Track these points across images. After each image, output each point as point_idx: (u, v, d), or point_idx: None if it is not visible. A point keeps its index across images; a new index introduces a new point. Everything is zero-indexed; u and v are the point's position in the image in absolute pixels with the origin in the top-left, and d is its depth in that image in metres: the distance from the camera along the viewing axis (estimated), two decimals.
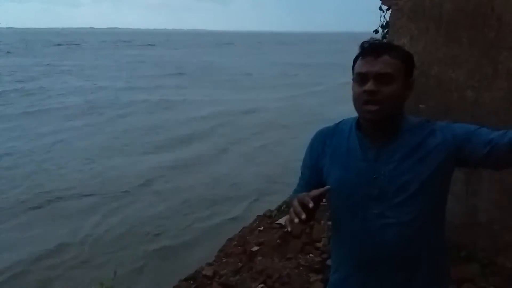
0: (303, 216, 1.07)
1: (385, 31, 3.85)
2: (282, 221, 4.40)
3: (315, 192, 1.15)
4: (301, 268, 3.35)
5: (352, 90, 1.23)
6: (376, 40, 1.25)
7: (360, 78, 1.19)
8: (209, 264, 3.85)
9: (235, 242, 4.29)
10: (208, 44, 66.49)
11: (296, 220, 1.08)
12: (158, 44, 61.73)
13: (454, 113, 2.80)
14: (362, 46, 1.23)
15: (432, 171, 1.20)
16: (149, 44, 60.34)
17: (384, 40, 3.50)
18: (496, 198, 2.73)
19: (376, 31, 4.06)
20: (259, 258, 3.70)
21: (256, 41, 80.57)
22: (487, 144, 1.15)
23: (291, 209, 1.12)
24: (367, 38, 1.28)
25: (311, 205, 1.09)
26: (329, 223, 2.71)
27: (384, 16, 3.93)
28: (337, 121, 1.37)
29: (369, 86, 1.16)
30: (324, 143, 1.34)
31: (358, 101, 1.20)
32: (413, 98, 2.85)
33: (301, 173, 1.43)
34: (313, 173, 1.37)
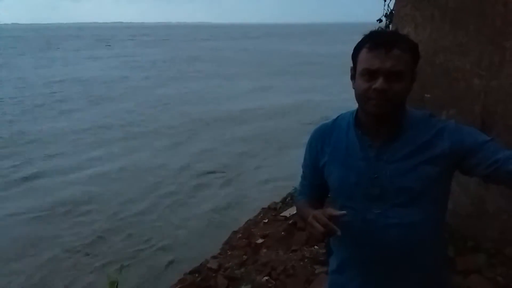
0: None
1: (390, 20, 3.80)
2: (287, 213, 4.39)
3: (329, 212, 1.12)
4: (306, 260, 3.34)
5: (356, 83, 1.16)
6: (384, 30, 1.19)
7: (368, 73, 1.11)
8: (214, 257, 3.86)
9: (240, 235, 4.30)
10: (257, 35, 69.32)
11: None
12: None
13: (461, 102, 2.75)
14: (371, 36, 1.14)
15: (437, 175, 1.15)
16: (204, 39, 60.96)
17: (390, 29, 3.44)
18: (503, 188, 2.69)
19: (380, 20, 4.00)
20: (264, 250, 3.70)
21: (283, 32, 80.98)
22: (491, 165, 1.10)
23: (312, 230, 1.12)
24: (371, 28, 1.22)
25: (339, 233, 1.08)
26: None
27: (388, 5, 3.87)
28: (335, 117, 1.32)
29: (380, 84, 1.09)
30: (323, 141, 1.29)
31: (364, 97, 1.13)
32: (418, 88, 2.83)
33: (303, 172, 1.40)
34: (314, 172, 1.33)
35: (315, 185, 1.35)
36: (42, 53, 33.37)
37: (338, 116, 1.31)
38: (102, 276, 3.76)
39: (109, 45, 43.37)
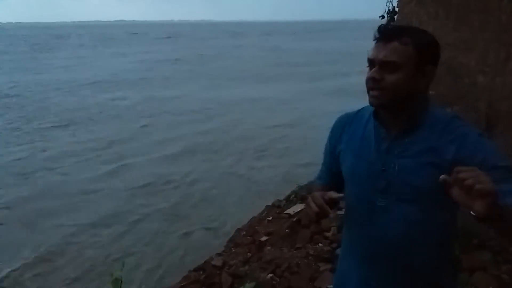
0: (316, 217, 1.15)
1: (390, 17, 3.78)
2: (291, 211, 4.40)
3: (329, 194, 1.14)
4: (310, 257, 3.34)
5: None
6: (393, 24, 1.20)
7: (369, 63, 1.16)
8: (219, 254, 3.87)
9: (244, 232, 4.31)
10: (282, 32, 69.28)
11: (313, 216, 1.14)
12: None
13: (465, 99, 2.74)
14: (377, 29, 1.17)
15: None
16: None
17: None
18: None
19: (382, 17, 3.99)
20: (268, 248, 3.70)
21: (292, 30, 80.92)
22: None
23: (308, 209, 1.15)
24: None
25: (331, 215, 1.12)
26: (339, 212, 2.70)
27: (391, 2, 3.86)
28: (359, 108, 1.33)
29: (371, 73, 1.13)
30: (343, 129, 1.31)
31: (366, 86, 1.17)
32: None
33: (323, 158, 1.42)
34: (332, 159, 1.35)
35: (332, 172, 1.36)
36: (66, 52, 33.24)
37: (362, 107, 1.31)
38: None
39: (128, 44, 44.20)
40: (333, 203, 1.15)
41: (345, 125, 1.31)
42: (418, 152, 1.15)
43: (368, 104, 1.24)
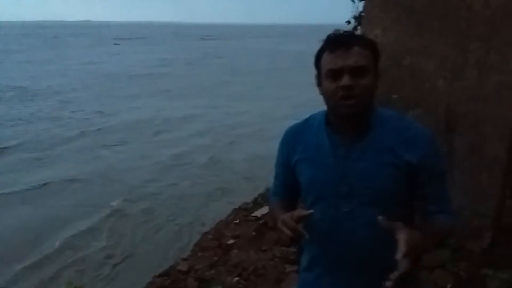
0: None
1: (358, 22, 3.87)
2: (258, 213, 4.39)
3: (298, 213, 1.12)
4: (276, 259, 3.33)
5: (323, 87, 1.17)
6: (341, 31, 1.20)
7: (332, 74, 1.13)
8: (184, 259, 3.79)
9: (211, 236, 4.25)
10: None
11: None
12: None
13: (426, 102, 2.83)
14: (329, 39, 1.16)
15: (404, 178, 1.16)
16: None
17: (356, 31, 3.50)
18: (465, 186, 2.79)
19: (349, 22, 4.07)
20: (235, 251, 3.67)
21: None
22: (420, 204, 1.20)
23: (281, 234, 1.20)
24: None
25: (307, 236, 1.10)
26: None
27: (357, 6, 3.94)
28: (307, 117, 1.31)
29: (346, 81, 1.10)
30: (294, 140, 1.29)
31: (333, 98, 1.14)
32: (385, 88, 2.88)
33: (276, 172, 1.39)
34: (286, 172, 1.32)
35: (287, 185, 1.34)
36: (54, 50, 32.25)
37: (310, 116, 1.31)
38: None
39: (118, 44, 43.47)
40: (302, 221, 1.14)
41: (296, 136, 1.29)
42: (376, 153, 1.16)
43: (314, 113, 1.28)
